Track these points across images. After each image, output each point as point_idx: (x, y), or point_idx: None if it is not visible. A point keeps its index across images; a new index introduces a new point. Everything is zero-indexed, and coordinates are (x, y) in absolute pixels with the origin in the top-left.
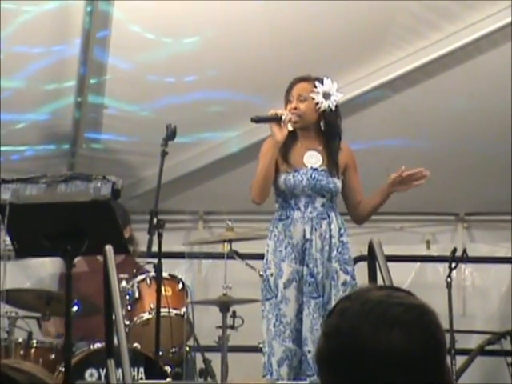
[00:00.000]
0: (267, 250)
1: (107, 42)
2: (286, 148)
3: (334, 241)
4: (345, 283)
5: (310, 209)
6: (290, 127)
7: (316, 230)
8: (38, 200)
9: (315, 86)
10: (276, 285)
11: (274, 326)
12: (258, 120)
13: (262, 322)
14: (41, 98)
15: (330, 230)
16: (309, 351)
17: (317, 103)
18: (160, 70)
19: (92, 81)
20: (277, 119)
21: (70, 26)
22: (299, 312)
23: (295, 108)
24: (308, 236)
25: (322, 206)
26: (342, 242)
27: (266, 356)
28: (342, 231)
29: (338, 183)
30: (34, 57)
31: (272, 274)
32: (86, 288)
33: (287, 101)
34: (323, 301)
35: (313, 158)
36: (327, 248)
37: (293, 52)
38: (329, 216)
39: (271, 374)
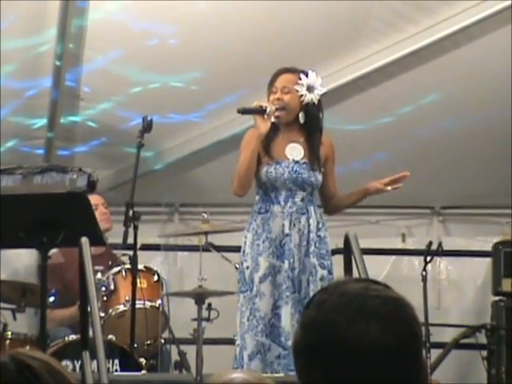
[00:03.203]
0: (245, 242)
1: (83, 34)
2: (268, 140)
3: (312, 236)
4: (322, 278)
5: (289, 203)
6: (273, 119)
7: (295, 225)
8: (13, 191)
9: (300, 78)
10: (252, 279)
11: (248, 320)
12: (244, 111)
13: (236, 314)
14: (17, 87)
15: (309, 225)
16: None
17: (301, 95)
18: (136, 62)
19: (68, 71)
20: (261, 111)
21: (45, 18)
22: (275, 307)
23: (279, 99)
24: (287, 231)
25: (302, 200)
26: (320, 236)
27: (238, 349)
28: (320, 225)
29: (319, 177)
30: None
31: (248, 267)
32: (62, 278)
33: (270, 92)
34: (300, 296)
35: (295, 151)
36: (305, 243)
37: (269, 46)
38: (308, 210)
39: (242, 367)
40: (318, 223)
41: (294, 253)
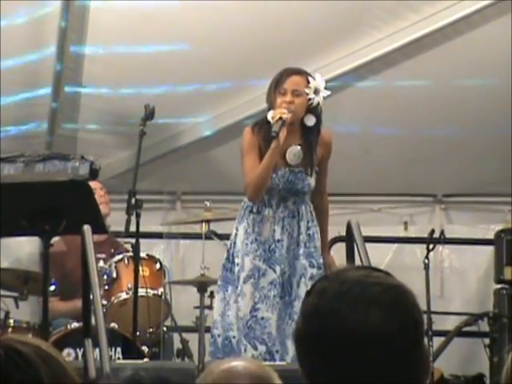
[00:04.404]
0: (236, 234)
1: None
2: (268, 145)
3: (301, 237)
4: (312, 277)
5: (281, 208)
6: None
7: (286, 229)
8: (15, 179)
9: (308, 81)
10: (238, 277)
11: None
12: (277, 133)
13: (223, 301)
14: (20, 75)
15: (299, 228)
16: (276, 351)
17: (309, 99)
18: (140, 48)
19: (70, 61)
20: (283, 124)
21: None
22: (254, 309)
23: (290, 102)
24: (278, 237)
25: (294, 203)
26: (309, 234)
27: (235, 341)
28: (310, 224)
29: (313, 183)
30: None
31: (238, 264)
32: (64, 267)
33: (277, 92)
34: (290, 299)
35: (295, 154)
36: (294, 246)
37: (270, 36)
38: (299, 213)
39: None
40: (307, 222)
41: (283, 257)
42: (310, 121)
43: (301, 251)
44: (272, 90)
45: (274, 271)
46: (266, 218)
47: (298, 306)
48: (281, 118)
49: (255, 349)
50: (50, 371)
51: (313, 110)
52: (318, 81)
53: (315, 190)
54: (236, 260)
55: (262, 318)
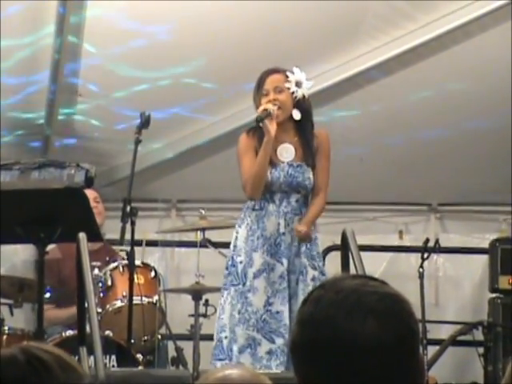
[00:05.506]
0: (236, 237)
1: (81, 30)
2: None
3: None
4: (313, 279)
5: (284, 203)
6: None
7: (289, 224)
8: (11, 187)
9: (287, 76)
10: (245, 273)
11: (239, 313)
12: (261, 120)
13: (220, 306)
14: (15, 83)
15: None
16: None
17: (292, 92)
18: (133, 57)
19: (66, 67)
20: (268, 114)
21: (43, 13)
22: (267, 303)
23: (275, 99)
24: (282, 230)
25: (297, 201)
26: (311, 237)
27: (227, 341)
28: (312, 227)
29: (313, 178)
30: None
31: (241, 262)
32: (59, 274)
33: (260, 95)
34: (289, 293)
35: (286, 152)
36: (296, 243)
37: (267, 43)
38: (301, 212)
39: (230, 359)
40: None
41: (285, 252)
42: (296, 115)
43: (302, 249)
44: (255, 94)
45: (282, 264)
46: (270, 213)
47: (294, 303)
48: (266, 110)
49: (272, 342)
50: (69, 381)
51: (300, 103)
52: (297, 74)
53: (314, 187)
54: (238, 258)
55: (277, 312)
